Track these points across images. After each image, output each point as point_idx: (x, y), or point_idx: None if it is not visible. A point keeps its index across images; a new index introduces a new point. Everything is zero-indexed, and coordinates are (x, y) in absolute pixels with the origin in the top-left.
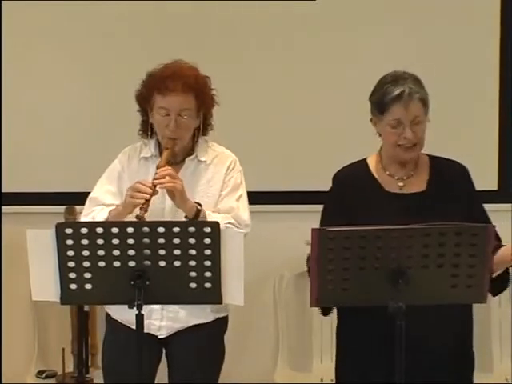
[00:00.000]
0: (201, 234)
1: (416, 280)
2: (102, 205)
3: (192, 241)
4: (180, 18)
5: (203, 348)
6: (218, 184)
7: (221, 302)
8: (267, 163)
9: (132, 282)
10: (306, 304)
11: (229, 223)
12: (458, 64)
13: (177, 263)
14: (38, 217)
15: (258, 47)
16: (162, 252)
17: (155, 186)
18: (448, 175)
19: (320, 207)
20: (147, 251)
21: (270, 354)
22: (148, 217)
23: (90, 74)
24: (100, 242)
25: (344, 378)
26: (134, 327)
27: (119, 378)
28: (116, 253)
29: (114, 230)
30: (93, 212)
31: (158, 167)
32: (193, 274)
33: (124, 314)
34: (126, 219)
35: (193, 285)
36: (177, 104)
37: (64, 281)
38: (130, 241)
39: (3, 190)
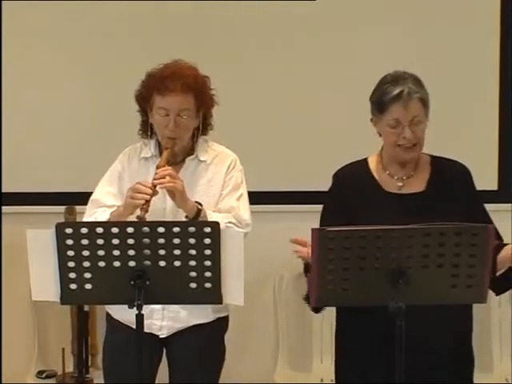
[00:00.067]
0: (201, 234)
1: (416, 280)
2: (103, 206)
3: (192, 241)
4: (180, 18)
5: (204, 348)
6: (219, 183)
7: (221, 302)
8: (267, 163)
9: (132, 282)
10: (305, 304)
11: (229, 223)
12: (458, 64)
13: (177, 263)
14: (38, 217)
15: (258, 47)
16: (162, 252)
17: (155, 187)
18: (449, 175)
19: (320, 207)
20: (147, 251)
21: (270, 354)
22: (149, 217)
23: (90, 74)
24: (100, 241)
25: (344, 378)
26: (135, 327)
27: (120, 378)
28: (116, 253)
29: (114, 229)
30: (95, 214)
31: (157, 167)
32: (193, 273)
33: (125, 314)
34: (127, 220)
35: (193, 285)
36: (176, 104)
37: (64, 281)
38: (130, 241)
39: (3, 190)
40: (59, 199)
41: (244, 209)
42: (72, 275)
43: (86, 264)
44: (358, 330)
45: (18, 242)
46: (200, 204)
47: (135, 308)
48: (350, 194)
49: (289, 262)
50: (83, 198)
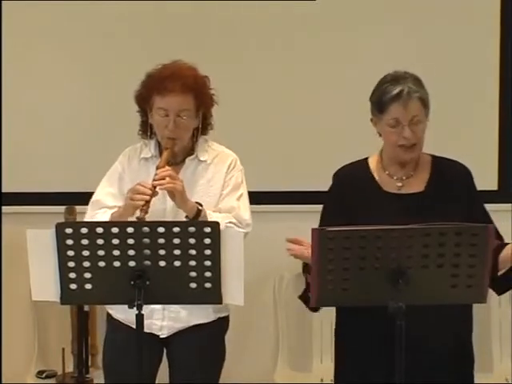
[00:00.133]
0: (201, 234)
1: (416, 280)
2: (104, 207)
3: (192, 241)
4: (180, 18)
5: (204, 348)
6: (219, 183)
7: (221, 302)
8: (267, 163)
9: (132, 282)
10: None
11: (230, 223)
12: (458, 64)
13: (177, 263)
14: (38, 217)
15: (258, 47)
16: (162, 252)
17: (155, 188)
18: (449, 175)
19: (320, 207)
20: (147, 251)
21: (270, 354)
22: (149, 217)
23: (90, 74)
24: (100, 241)
25: (344, 378)
26: (135, 327)
27: (120, 378)
28: (116, 253)
29: (114, 229)
30: (96, 215)
31: (157, 168)
32: (193, 273)
33: (125, 314)
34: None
35: (193, 285)
36: (175, 104)
37: (64, 281)
38: (130, 241)
39: (3, 190)
40: (59, 199)
41: (244, 209)
42: (72, 275)
43: (86, 264)
44: (358, 330)
45: (18, 242)
46: (200, 204)
47: (135, 308)
48: (350, 193)
49: (289, 262)
50: (83, 198)
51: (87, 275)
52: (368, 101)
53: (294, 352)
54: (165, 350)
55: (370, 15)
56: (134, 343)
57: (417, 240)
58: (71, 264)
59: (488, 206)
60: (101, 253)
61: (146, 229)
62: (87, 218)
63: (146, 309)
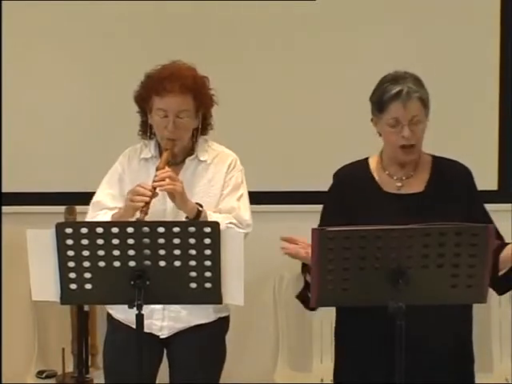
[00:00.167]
0: (201, 234)
1: (416, 280)
2: (105, 209)
3: (192, 241)
4: (180, 18)
5: (205, 348)
6: (219, 183)
7: (221, 302)
8: (267, 163)
9: (132, 282)
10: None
11: (230, 223)
12: (458, 64)
13: (177, 263)
14: (38, 217)
15: (258, 47)
16: (162, 252)
17: (155, 189)
18: (449, 175)
19: (320, 207)
20: (147, 251)
21: (270, 354)
22: (149, 218)
23: (90, 74)
24: (100, 241)
25: (344, 378)
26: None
27: (120, 378)
28: (116, 253)
29: (114, 229)
30: (97, 216)
31: (157, 169)
32: (193, 273)
33: (126, 314)
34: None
35: (193, 285)
36: (175, 105)
37: (64, 281)
38: (130, 241)
39: (3, 190)
40: (59, 199)
41: (244, 209)
42: (72, 275)
43: (86, 264)
44: (358, 329)
45: (17, 242)
46: (200, 205)
47: (135, 308)
48: (350, 193)
49: (289, 262)
50: (83, 198)
51: (87, 275)
52: (368, 101)
53: (294, 352)
54: (165, 350)
55: (370, 15)
56: (134, 343)
57: (417, 240)
58: (71, 264)
59: (488, 206)
60: (101, 253)
61: (146, 229)
62: (88, 219)
63: (146, 309)
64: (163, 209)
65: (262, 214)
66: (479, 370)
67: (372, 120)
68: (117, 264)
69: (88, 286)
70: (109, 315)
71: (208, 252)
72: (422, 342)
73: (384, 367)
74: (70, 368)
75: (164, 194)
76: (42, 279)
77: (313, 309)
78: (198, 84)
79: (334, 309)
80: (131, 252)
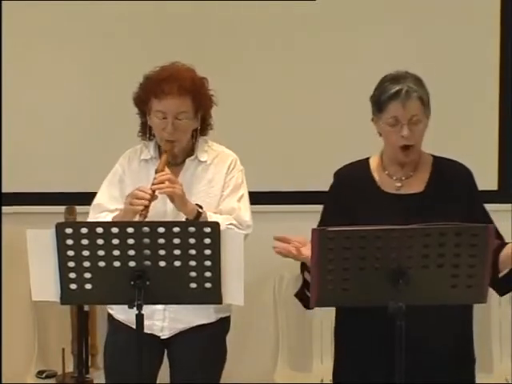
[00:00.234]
0: (201, 234)
1: (416, 280)
2: (106, 211)
3: (192, 241)
4: (180, 18)
5: (206, 348)
6: (219, 184)
7: (221, 302)
8: (267, 163)
9: (132, 282)
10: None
11: (230, 224)
12: (458, 64)
13: (177, 263)
14: (37, 217)
15: (258, 47)
16: (162, 252)
17: (154, 192)
18: (449, 175)
19: (320, 207)
20: (147, 251)
21: (270, 354)
22: (150, 219)
23: (90, 74)
24: (100, 242)
25: (344, 378)
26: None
27: (121, 379)
28: (116, 253)
29: (114, 230)
30: (98, 219)
31: (156, 171)
32: (193, 274)
33: (126, 315)
34: None
35: (193, 285)
36: (173, 107)
37: (64, 281)
38: (130, 241)
39: (3, 190)
40: (59, 199)
41: (245, 210)
42: (72, 275)
43: (86, 264)
44: (358, 330)
45: (18, 242)
46: (200, 207)
47: (135, 308)
48: (349, 193)
49: (289, 262)
50: (83, 198)
51: (87, 275)
52: (368, 101)
53: (294, 352)
54: (165, 351)
55: (370, 15)
56: (135, 344)
57: (417, 240)
58: (71, 264)
59: (488, 206)
60: (101, 253)
61: (146, 229)
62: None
63: (147, 309)
64: (164, 210)
65: (261, 214)
66: (479, 369)
67: (372, 120)
68: (117, 264)
69: (88, 286)
70: (109, 316)
71: (208, 252)
72: (422, 342)
73: (384, 367)
74: (70, 368)
75: (164, 195)
76: (42, 279)
77: (311, 308)
78: (196, 85)
79: (333, 309)
80: (131, 252)
